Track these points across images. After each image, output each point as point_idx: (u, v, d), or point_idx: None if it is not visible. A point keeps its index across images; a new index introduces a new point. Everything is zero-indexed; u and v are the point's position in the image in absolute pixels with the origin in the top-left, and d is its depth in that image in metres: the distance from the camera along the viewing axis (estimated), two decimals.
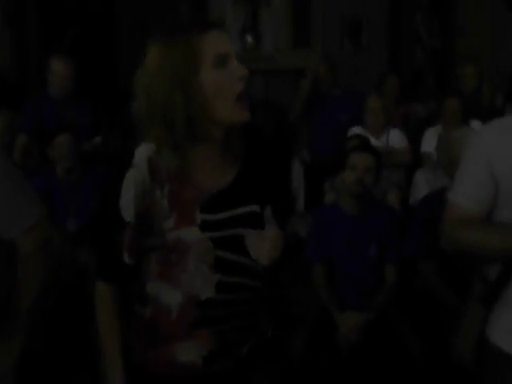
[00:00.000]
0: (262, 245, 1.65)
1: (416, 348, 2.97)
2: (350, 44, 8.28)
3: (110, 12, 8.66)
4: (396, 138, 4.74)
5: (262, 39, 10.61)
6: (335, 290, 3.21)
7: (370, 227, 3.22)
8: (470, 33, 7.80)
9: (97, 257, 1.79)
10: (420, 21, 9.20)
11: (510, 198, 1.85)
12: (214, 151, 1.69)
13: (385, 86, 5.68)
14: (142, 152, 1.66)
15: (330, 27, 8.51)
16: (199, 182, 1.67)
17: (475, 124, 4.50)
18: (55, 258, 2.24)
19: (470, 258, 2.06)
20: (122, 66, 7.91)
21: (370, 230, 3.22)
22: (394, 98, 5.62)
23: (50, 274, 2.11)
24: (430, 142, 4.67)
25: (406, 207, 4.20)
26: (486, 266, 1.97)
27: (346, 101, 5.35)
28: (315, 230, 3.32)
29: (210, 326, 1.68)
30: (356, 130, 4.75)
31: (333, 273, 3.24)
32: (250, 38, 10.51)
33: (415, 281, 3.31)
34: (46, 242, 2.02)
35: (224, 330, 1.70)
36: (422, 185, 4.02)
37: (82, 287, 3.70)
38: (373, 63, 7.99)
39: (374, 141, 4.35)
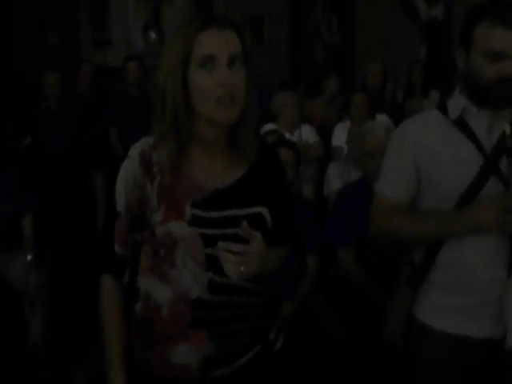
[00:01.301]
0: (229, 258, 1.56)
1: (340, 332, 3.10)
2: (252, 40, 8.38)
3: (5, 8, 8.40)
4: (308, 133, 4.88)
5: (165, 35, 10.58)
6: None
7: None
8: (367, 28, 8.08)
9: (100, 248, 1.77)
10: (320, 17, 9.44)
11: (430, 186, 2.01)
12: (214, 150, 1.69)
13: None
14: (137, 145, 1.69)
15: None
16: (196, 178, 1.67)
17: (381, 118, 4.71)
18: None
19: (396, 245, 2.19)
20: (18, 63, 7.73)
21: None
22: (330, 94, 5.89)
23: None
24: (339, 136, 4.85)
25: (321, 199, 4.35)
26: (412, 251, 2.11)
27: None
28: None
29: (206, 328, 1.64)
30: (269, 126, 4.85)
31: None
32: (153, 35, 10.47)
33: (333, 269, 3.44)
34: None
35: (221, 333, 1.66)
36: (335, 177, 4.17)
37: None
38: (274, 60, 8.14)
39: (287, 136, 4.47)
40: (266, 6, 8.88)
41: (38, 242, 3.95)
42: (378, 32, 7.89)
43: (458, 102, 2.03)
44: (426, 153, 2.00)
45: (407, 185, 2.05)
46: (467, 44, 1.96)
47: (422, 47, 7.05)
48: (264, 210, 1.71)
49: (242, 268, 1.56)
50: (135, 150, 1.69)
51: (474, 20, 1.94)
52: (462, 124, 1.98)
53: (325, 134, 5.09)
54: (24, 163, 4.60)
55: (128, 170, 1.67)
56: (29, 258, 3.82)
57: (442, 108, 2.06)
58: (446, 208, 1.98)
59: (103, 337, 1.73)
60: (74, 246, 4.95)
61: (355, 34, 8.48)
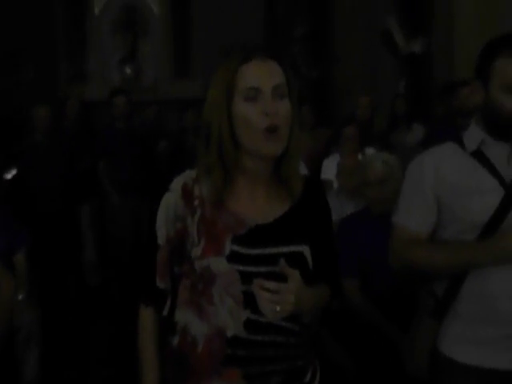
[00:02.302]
0: (266, 296, 1.53)
1: (349, 366, 3.07)
2: None
3: None
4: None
5: (142, 70, 10.61)
6: None
7: None
8: (345, 62, 8.19)
9: (138, 280, 1.77)
10: (297, 52, 9.54)
11: (453, 217, 2.02)
12: (257, 184, 1.68)
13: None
14: (180, 178, 1.69)
15: (209, 56, 8.67)
16: (237, 212, 1.65)
17: (369, 151, 4.74)
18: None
19: (414, 276, 2.20)
20: None
21: None
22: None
23: None
24: (328, 169, 4.87)
25: None
26: (432, 282, 2.12)
27: None
28: None
29: (240, 366, 1.62)
30: None
31: None
32: (129, 70, 10.49)
33: (334, 302, 3.42)
34: None
35: (256, 372, 1.63)
36: None
37: None
38: None
39: None
40: (241, 38, 8.97)
41: (28, 277, 3.87)
42: (356, 66, 8.00)
43: (474, 134, 2.06)
44: (446, 184, 2.02)
45: (427, 216, 2.07)
46: (485, 77, 1.99)
47: (401, 81, 7.16)
48: (305, 249, 1.68)
49: (278, 307, 1.53)
50: (178, 183, 1.68)
51: (493, 54, 1.98)
52: (480, 156, 2.01)
53: (312, 167, 5.11)
54: (10, 197, 4.54)
55: (169, 202, 1.67)
56: (20, 296, 3.73)
57: (458, 140, 2.09)
58: (467, 239, 1.99)
59: (140, 371, 1.72)
60: (62, 280, 4.87)
61: (333, 67, 8.59)
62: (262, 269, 1.60)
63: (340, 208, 4.17)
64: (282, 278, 1.56)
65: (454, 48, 6.29)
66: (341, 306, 3.29)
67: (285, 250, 1.64)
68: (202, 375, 1.64)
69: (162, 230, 1.67)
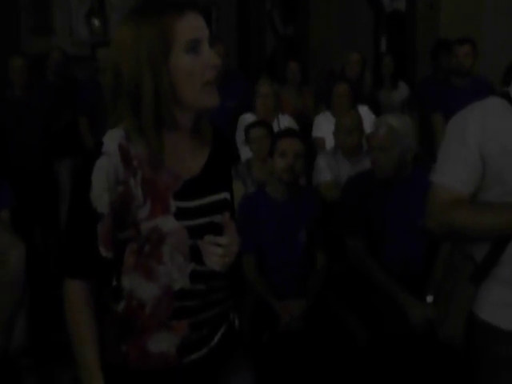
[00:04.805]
0: (215, 251, 1.59)
1: (360, 331, 3.00)
2: None
3: None
4: (287, 123, 4.77)
5: (110, 23, 10.27)
6: (268, 278, 3.17)
7: (300, 213, 3.22)
8: (320, 20, 8.04)
9: (67, 253, 1.63)
10: (271, 8, 9.35)
11: (499, 177, 1.91)
12: (183, 138, 1.66)
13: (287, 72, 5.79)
14: (112, 139, 1.59)
15: None
16: (171, 167, 1.63)
17: (362, 109, 4.63)
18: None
19: (456, 240, 2.11)
20: None
21: (299, 215, 3.21)
22: (296, 84, 5.81)
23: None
24: (320, 127, 4.76)
25: None
26: (471, 245, 2.03)
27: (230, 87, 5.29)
28: (241, 219, 3.23)
29: (187, 316, 1.66)
30: (248, 116, 4.72)
31: (263, 261, 3.20)
32: (96, 22, 10.13)
33: (336, 264, 3.35)
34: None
35: (200, 320, 1.68)
36: (324, 168, 4.06)
37: None
38: None
39: None
40: None
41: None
42: (332, 23, 7.85)
43: None
44: (493, 142, 1.90)
45: (472, 175, 1.94)
46: None
47: (383, 39, 7.04)
48: (227, 196, 1.74)
49: (227, 259, 1.61)
50: (112, 145, 1.58)
51: None
52: None
53: (302, 123, 4.99)
54: None
55: (108, 166, 1.56)
56: None
57: (505, 95, 1.97)
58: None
59: (73, 342, 1.63)
60: (44, 239, 4.71)
61: (309, 25, 8.41)
62: (201, 220, 1.64)
63: (336, 166, 4.08)
64: (216, 228, 1.63)
65: (439, 7, 6.19)
66: (345, 270, 3.27)
67: (215, 198, 1.69)
68: (149, 331, 1.64)
69: (104, 197, 1.57)
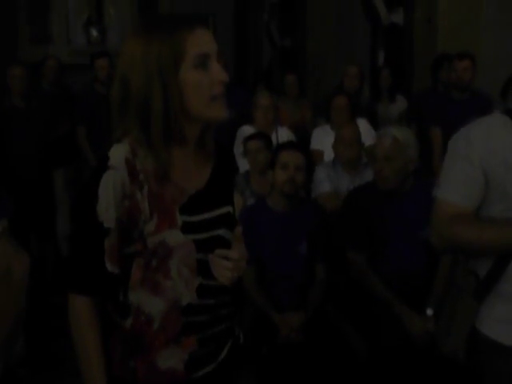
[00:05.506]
0: (225, 265, 1.60)
1: (359, 344, 3.00)
2: None
3: None
4: (286, 136, 4.78)
5: (108, 32, 10.29)
6: (268, 290, 3.16)
7: (300, 225, 3.22)
8: (317, 32, 8.06)
9: (72, 268, 1.63)
10: (268, 20, 9.37)
11: (502, 193, 1.92)
12: (189, 151, 1.66)
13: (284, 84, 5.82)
14: (118, 153, 1.60)
15: None
16: (177, 181, 1.63)
17: (361, 122, 4.64)
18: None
19: (459, 254, 2.11)
20: None
21: (300, 228, 3.22)
22: (294, 97, 5.81)
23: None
24: (318, 140, 4.77)
25: None
26: (474, 261, 2.03)
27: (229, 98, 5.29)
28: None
29: (196, 332, 1.65)
30: (247, 128, 4.72)
31: (263, 273, 3.19)
32: (94, 32, 10.15)
33: (338, 276, 3.36)
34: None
35: (208, 335, 1.68)
36: (324, 180, 4.08)
37: None
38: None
39: None
40: (211, 5, 8.76)
41: None
42: (329, 36, 7.87)
43: None
44: (496, 158, 1.92)
45: (475, 190, 1.96)
46: None
47: (381, 52, 7.06)
48: (231, 209, 1.75)
49: (236, 273, 1.61)
50: (118, 159, 1.58)
51: None
52: None
53: (300, 136, 5.00)
54: None
55: (116, 180, 1.57)
56: None
57: (509, 113, 1.98)
58: None
59: (79, 357, 1.62)
60: (40, 248, 4.69)
61: (306, 37, 8.44)
62: (207, 234, 1.65)
63: (336, 179, 4.09)
64: (223, 241, 1.66)
65: (437, 20, 6.22)
66: (346, 283, 3.27)
67: (219, 212, 1.70)
68: (158, 348, 1.64)
69: (111, 211, 1.57)
